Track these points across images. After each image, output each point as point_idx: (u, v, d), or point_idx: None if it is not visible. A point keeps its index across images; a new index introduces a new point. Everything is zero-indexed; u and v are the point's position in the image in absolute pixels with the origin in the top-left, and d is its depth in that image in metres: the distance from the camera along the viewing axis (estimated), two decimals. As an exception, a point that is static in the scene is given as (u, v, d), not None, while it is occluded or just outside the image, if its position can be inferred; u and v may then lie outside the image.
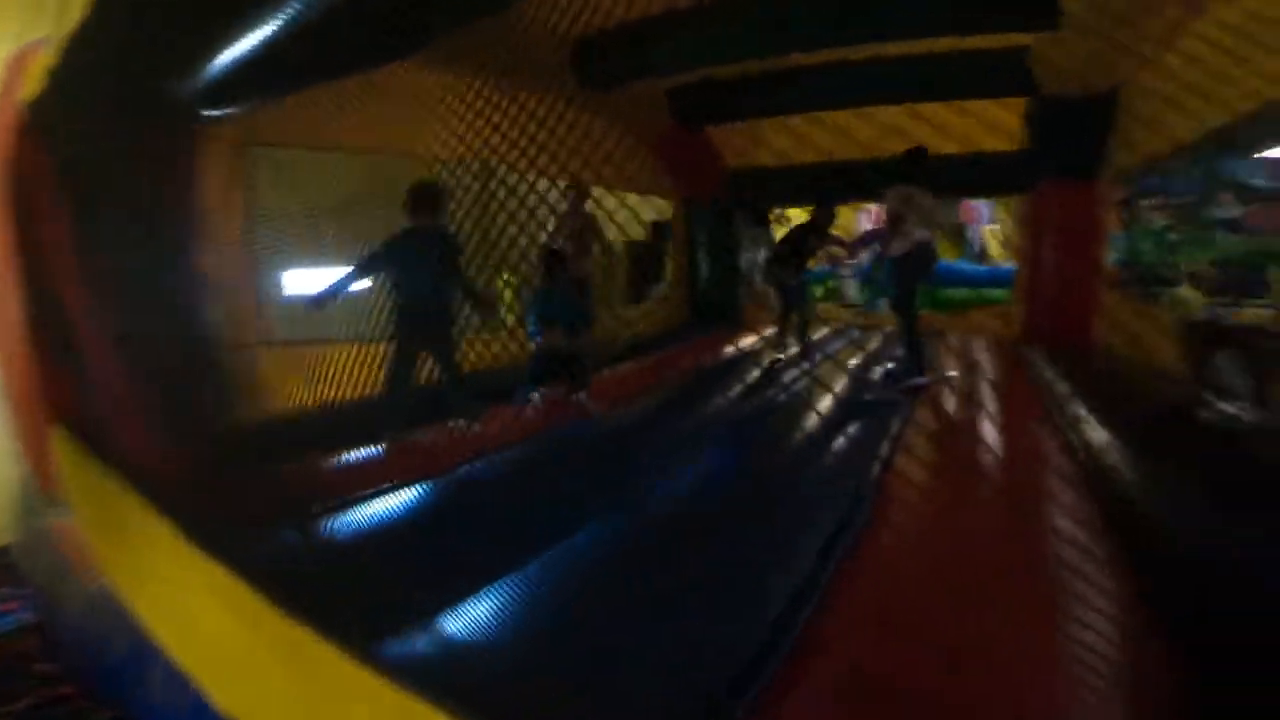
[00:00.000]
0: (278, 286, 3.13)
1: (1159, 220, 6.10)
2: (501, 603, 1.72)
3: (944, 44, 4.07)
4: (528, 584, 1.80)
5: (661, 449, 2.99)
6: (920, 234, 4.10)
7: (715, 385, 4.01)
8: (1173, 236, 6.22)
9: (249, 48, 2.23)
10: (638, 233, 6.47)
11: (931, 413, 3.46)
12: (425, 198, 3.02)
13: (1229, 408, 3.11)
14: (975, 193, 6.51)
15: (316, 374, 2.93)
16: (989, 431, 3.23)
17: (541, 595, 1.78)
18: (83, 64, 2.02)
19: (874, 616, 1.69)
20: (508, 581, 1.80)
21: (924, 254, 4.15)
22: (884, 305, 7.55)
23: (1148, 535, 2.16)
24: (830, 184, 5.18)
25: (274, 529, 2.20)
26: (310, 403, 2.89)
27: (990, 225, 8.13)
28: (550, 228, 4.29)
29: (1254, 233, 5.84)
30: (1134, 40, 3.56)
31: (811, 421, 3.28)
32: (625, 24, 3.76)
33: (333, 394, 2.89)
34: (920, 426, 3.21)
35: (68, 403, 2.38)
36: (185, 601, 1.86)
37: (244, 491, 2.41)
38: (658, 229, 6.55)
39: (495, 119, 4.07)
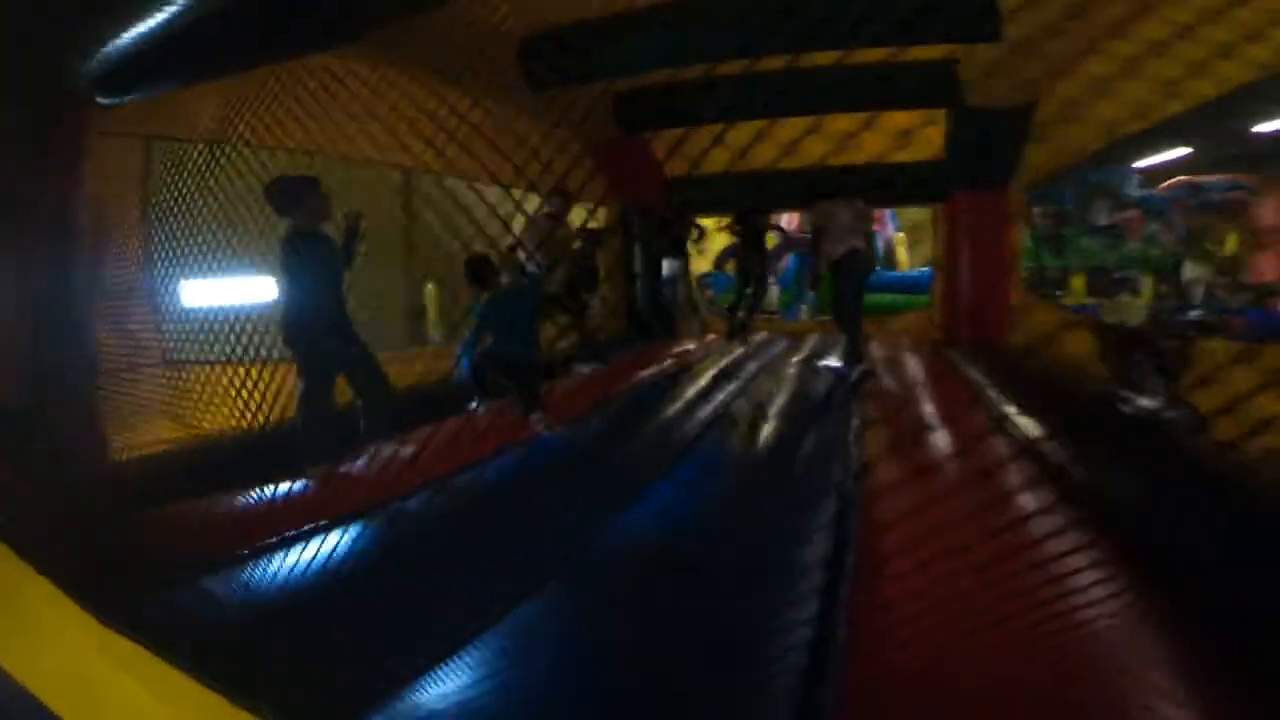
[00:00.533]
0: (176, 297, 2.76)
1: (1050, 227, 6.64)
2: (473, 663, 1.52)
3: (871, 55, 4.22)
4: (502, 633, 1.61)
5: (637, 462, 2.85)
6: (852, 241, 4.25)
7: (669, 394, 3.91)
8: (1057, 243, 6.79)
9: (155, 27, 1.94)
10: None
11: (882, 414, 3.52)
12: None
13: (1147, 402, 3.34)
14: (889, 202, 6.81)
15: (216, 398, 2.59)
16: (938, 426, 3.32)
17: (518, 644, 1.59)
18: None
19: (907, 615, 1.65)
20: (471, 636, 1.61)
21: (856, 259, 4.29)
22: (803, 312, 7.81)
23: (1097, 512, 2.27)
24: (758, 195, 5.26)
25: (176, 581, 1.89)
26: (209, 431, 2.55)
27: (896, 233, 8.57)
28: (514, 234, 4.07)
29: (1125, 238, 6.46)
30: (1055, 56, 3.80)
31: (780, 423, 3.25)
32: (573, 24, 3.65)
33: (234, 421, 2.56)
34: (876, 428, 3.24)
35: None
36: (82, 670, 1.55)
37: (138, 539, 2.07)
38: (591, 237, 6.42)
39: (429, 118, 3.84)
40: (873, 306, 7.00)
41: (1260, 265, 5.99)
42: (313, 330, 2.55)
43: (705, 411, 3.67)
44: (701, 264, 7.84)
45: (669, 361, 5.00)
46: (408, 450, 2.55)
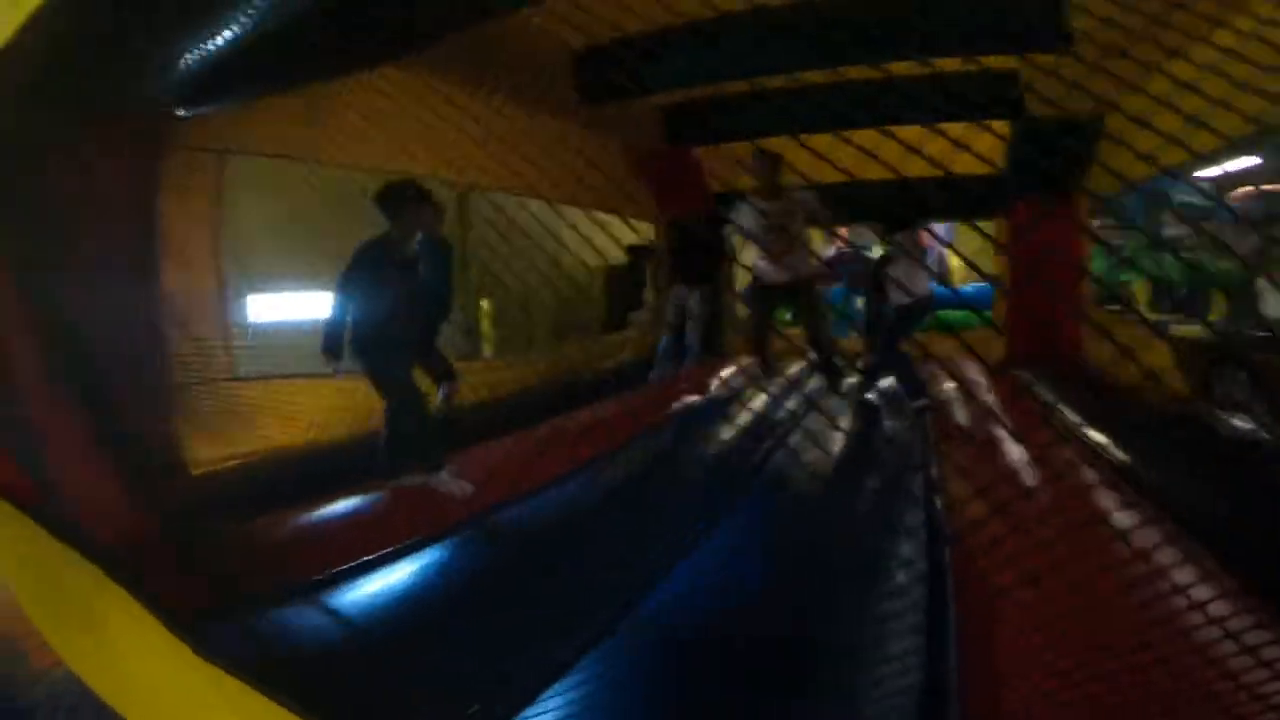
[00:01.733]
0: (252, 312, 2.75)
1: (1116, 240, 6.40)
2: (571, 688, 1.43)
3: (928, 66, 4.12)
4: (602, 661, 1.52)
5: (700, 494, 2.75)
6: (921, 287, 4.08)
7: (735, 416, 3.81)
8: (1124, 255, 6.54)
9: (232, 38, 1.93)
10: (616, 257, 6.30)
11: (957, 442, 3.37)
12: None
13: (1244, 423, 3.14)
14: (947, 215, 6.64)
15: (288, 412, 2.58)
16: (1018, 451, 3.15)
17: (619, 672, 1.50)
18: (40, 53, 1.68)
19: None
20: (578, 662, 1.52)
21: (924, 307, 4.13)
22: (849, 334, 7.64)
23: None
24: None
25: (256, 601, 1.83)
26: (290, 447, 2.52)
27: (949, 247, 8.34)
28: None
29: (1194, 251, 6.19)
30: (1125, 65, 3.66)
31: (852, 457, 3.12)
32: (628, 37, 3.62)
33: (315, 436, 2.54)
34: (954, 459, 3.10)
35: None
36: (167, 693, 1.49)
37: (218, 558, 2.03)
38: (636, 253, 6.38)
39: (483, 132, 3.84)
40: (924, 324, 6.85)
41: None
42: (385, 344, 2.49)
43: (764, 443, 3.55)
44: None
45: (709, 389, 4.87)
46: (487, 463, 2.49)
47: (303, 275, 3.02)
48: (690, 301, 5.13)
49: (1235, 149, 4.54)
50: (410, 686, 1.48)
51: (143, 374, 2.17)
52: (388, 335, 2.47)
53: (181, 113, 2.17)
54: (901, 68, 4.09)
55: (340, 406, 2.61)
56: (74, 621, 1.66)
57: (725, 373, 5.19)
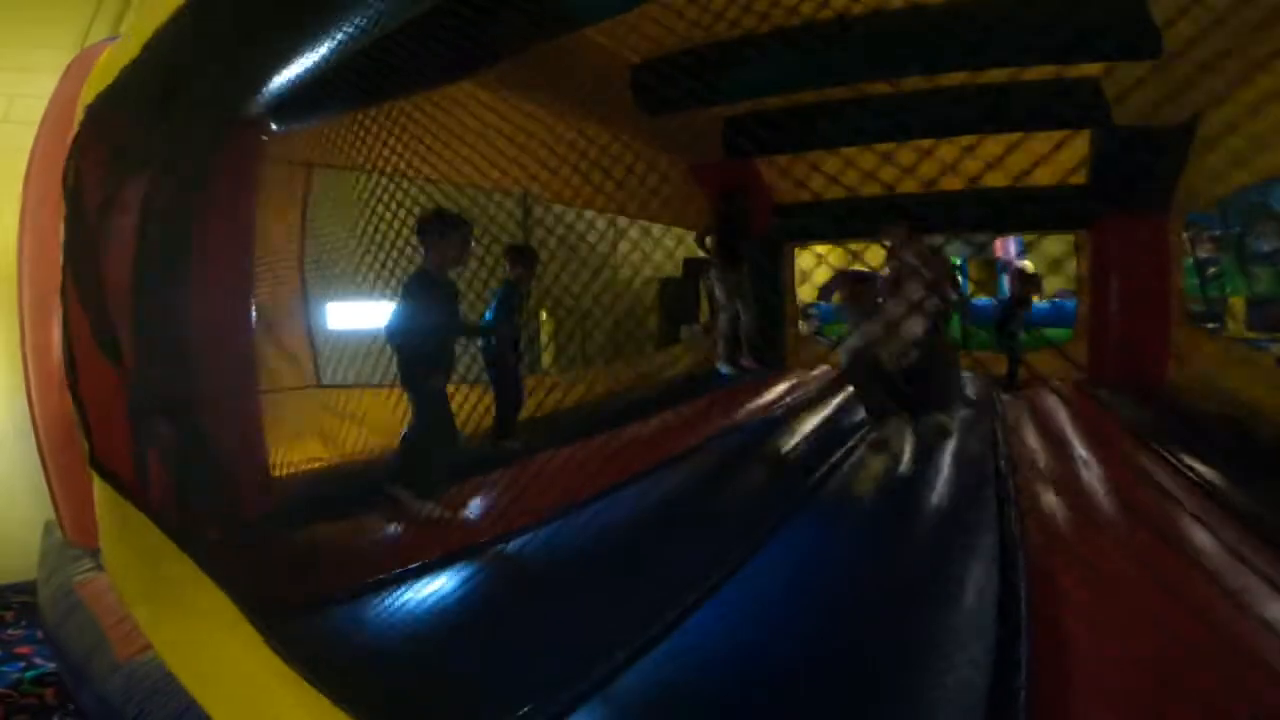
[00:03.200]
0: (333, 321, 2.88)
1: (1206, 253, 6.01)
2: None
3: (1005, 73, 3.98)
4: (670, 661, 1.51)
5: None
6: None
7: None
8: (1215, 270, 6.12)
9: (323, 56, 2.04)
10: (670, 270, 6.32)
11: (1033, 462, 3.22)
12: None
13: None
14: (1025, 228, 6.38)
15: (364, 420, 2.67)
16: (1099, 477, 2.99)
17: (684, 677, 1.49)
18: (148, 68, 1.81)
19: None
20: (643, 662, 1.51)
21: None
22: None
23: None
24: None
25: (327, 603, 1.89)
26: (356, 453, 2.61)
27: (1023, 261, 8.01)
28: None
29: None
30: (1216, 72, 3.45)
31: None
32: (688, 49, 3.64)
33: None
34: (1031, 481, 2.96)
35: (109, 446, 2.10)
36: (251, 690, 1.55)
37: (296, 559, 2.12)
38: (690, 266, 6.38)
39: (550, 143, 3.92)
40: (985, 341, 6.57)
41: None
42: (428, 370, 2.58)
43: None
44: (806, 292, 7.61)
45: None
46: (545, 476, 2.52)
47: (377, 286, 3.13)
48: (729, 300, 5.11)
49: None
50: (462, 689, 1.50)
51: (234, 381, 2.29)
52: (421, 361, 2.54)
53: (275, 127, 2.30)
54: (973, 75, 3.99)
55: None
56: (167, 610, 1.76)
57: (782, 386, 5.13)
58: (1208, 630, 1.62)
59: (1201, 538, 2.27)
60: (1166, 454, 3.24)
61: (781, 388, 5.08)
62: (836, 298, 7.44)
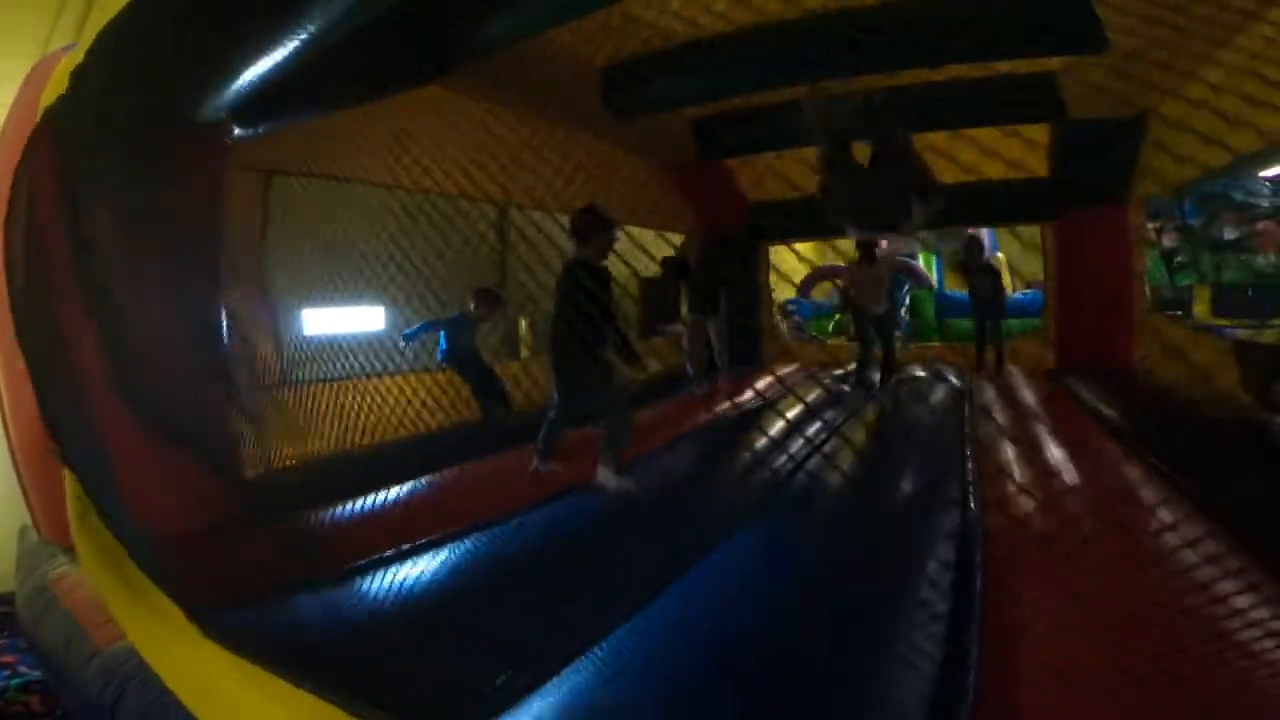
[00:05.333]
0: (299, 322, 2.92)
1: (1170, 243, 6.13)
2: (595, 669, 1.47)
3: (966, 71, 4.07)
4: (616, 651, 1.55)
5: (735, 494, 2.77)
6: None
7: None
8: (1180, 259, 6.25)
9: (284, 61, 2.08)
10: (650, 269, 6.37)
11: (999, 445, 3.29)
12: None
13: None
14: (992, 221, 6.49)
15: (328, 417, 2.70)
16: (1062, 457, 3.06)
17: (637, 662, 1.53)
18: (106, 72, 1.85)
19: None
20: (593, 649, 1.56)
21: None
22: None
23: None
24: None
25: (290, 595, 1.93)
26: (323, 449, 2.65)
27: (996, 254, 8.13)
28: None
29: (1258, 252, 5.86)
30: (1166, 65, 3.54)
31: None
32: (655, 52, 3.71)
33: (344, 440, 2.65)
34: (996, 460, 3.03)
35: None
36: (203, 668, 1.59)
37: (259, 551, 2.15)
38: (670, 265, 6.44)
39: (519, 148, 3.97)
40: (961, 332, 6.66)
41: None
42: (586, 351, 2.64)
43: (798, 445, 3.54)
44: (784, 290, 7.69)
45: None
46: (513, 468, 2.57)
47: (349, 291, 3.18)
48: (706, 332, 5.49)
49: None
50: (431, 665, 1.54)
51: (203, 381, 2.32)
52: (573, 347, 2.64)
53: (236, 132, 2.34)
54: (930, 74, 4.08)
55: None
56: (137, 604, 1.79)
57: (762, 383, 5.19)
58: (1161, 611, 1.66)
59: (1163, 522, 2.30)
60: (1131, 439, 3.31)
61: (759, 385, 5.14)
62: (816, 292, 7.49)
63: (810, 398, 4.51)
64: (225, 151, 2.36)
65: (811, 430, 3.71)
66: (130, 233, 2.06)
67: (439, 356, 4.27)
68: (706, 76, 3.85)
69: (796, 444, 3.49)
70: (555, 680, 1.56)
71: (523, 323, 5.38)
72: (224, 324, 2.45)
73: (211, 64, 2.00)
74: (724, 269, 5.83)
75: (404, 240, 3.91)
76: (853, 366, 5.22)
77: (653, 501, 2.81)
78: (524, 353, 4.70)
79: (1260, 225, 5.65)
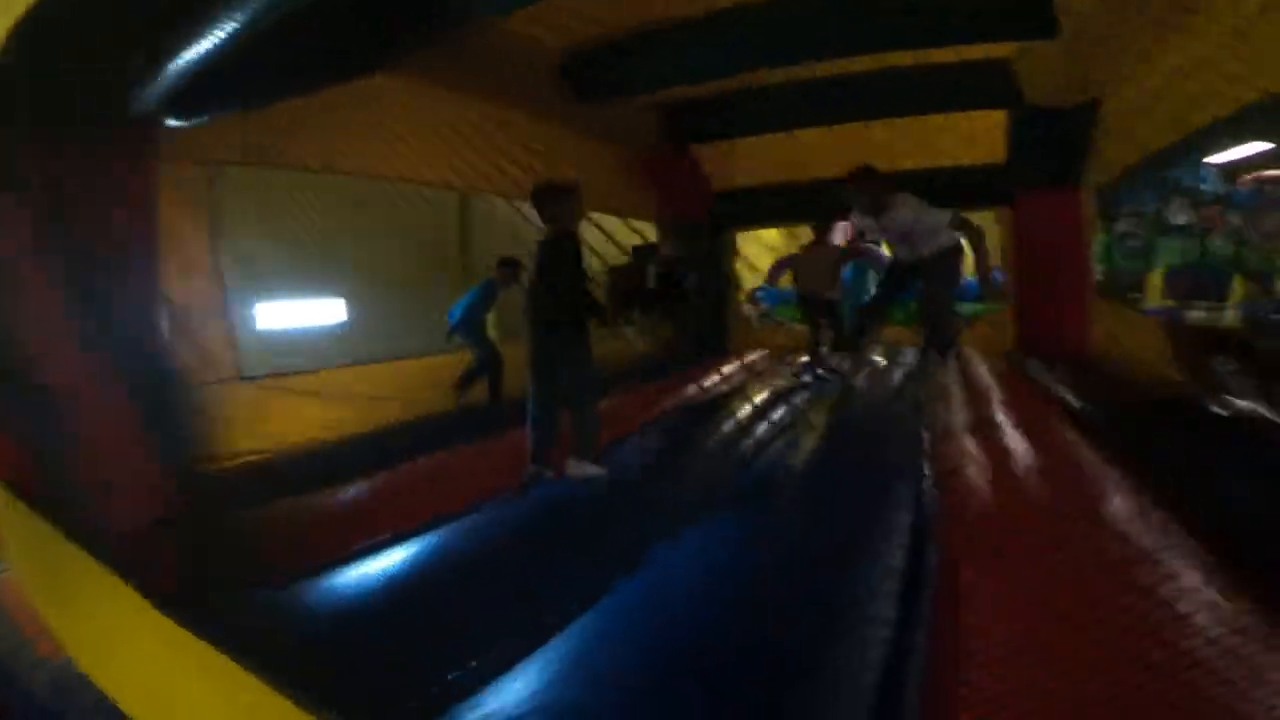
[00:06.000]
0: (252, 316, 2.86)
1: (1124, 228, 6.30)
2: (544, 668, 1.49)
3: (924, 57, 4.11)
4: (575, 643, 1.57)
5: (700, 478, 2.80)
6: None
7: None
8: (1133, 244, 6.43)
9: (220, 48, 2.02)
10: (616, 257, 6.37)
11: (955, 423, 3.36)
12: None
13: (1239, 406, 3.09)
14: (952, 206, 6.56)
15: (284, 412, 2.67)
16: (1014, 434, 3.14)
17: (595, 656, 1.55)
18: (28, 61, 1.78)
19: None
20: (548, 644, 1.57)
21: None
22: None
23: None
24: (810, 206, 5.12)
25: (253, 589, 1.92)
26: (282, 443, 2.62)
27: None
28: None
29: (1206, 237, 6.06)
30: (1116, 52, 3.61)
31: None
32: (619, 36, 3.67)
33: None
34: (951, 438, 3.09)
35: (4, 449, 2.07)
36: (159, 675, 1.57)
37: (216, 548, 2.13)
38: (639, 253, 6.43)
39: (477, 135, 3.92)
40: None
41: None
42: (573, 318, 2.67)
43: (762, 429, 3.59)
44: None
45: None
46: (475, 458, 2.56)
47: (308, 283, 3.13)
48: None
49: (1242, 133, 4.44)
50: (388, 660, 1.55)
51: (153, 377, 2.28)
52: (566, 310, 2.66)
53: (172, 124, 2.27)
54: (896, 60, 4.11)
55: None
56: (72, 608, 1.76)
57: (728, 369, 5.23)
58: (1113, 594, 1.70)
59: (1119, 507, 2.35)
60: (1086, 419, 3.39)
61: (726, 370, 5.18)
62: (784, 281, 7.54)
63: (773, 385, 4.55)
64: (160, 143, 2.28)
65: (772, 418, 3.76)
66: (67, 233, 2.00)
67: (450, 325, 4.35)
68: (666, 62, 3.83)
69: (755, 433, 3.54)
70: (512, 673, 1.58)
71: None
72: (167, 319, 2.39)
73: (140, 53, 1.93)
74: (692, 257, 5.86)
75: (363, 229, 3.87)
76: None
77: (612, 493, 2.82)
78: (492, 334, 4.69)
79: (1205, 210, 5.83)
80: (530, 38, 3.60)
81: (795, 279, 4.90)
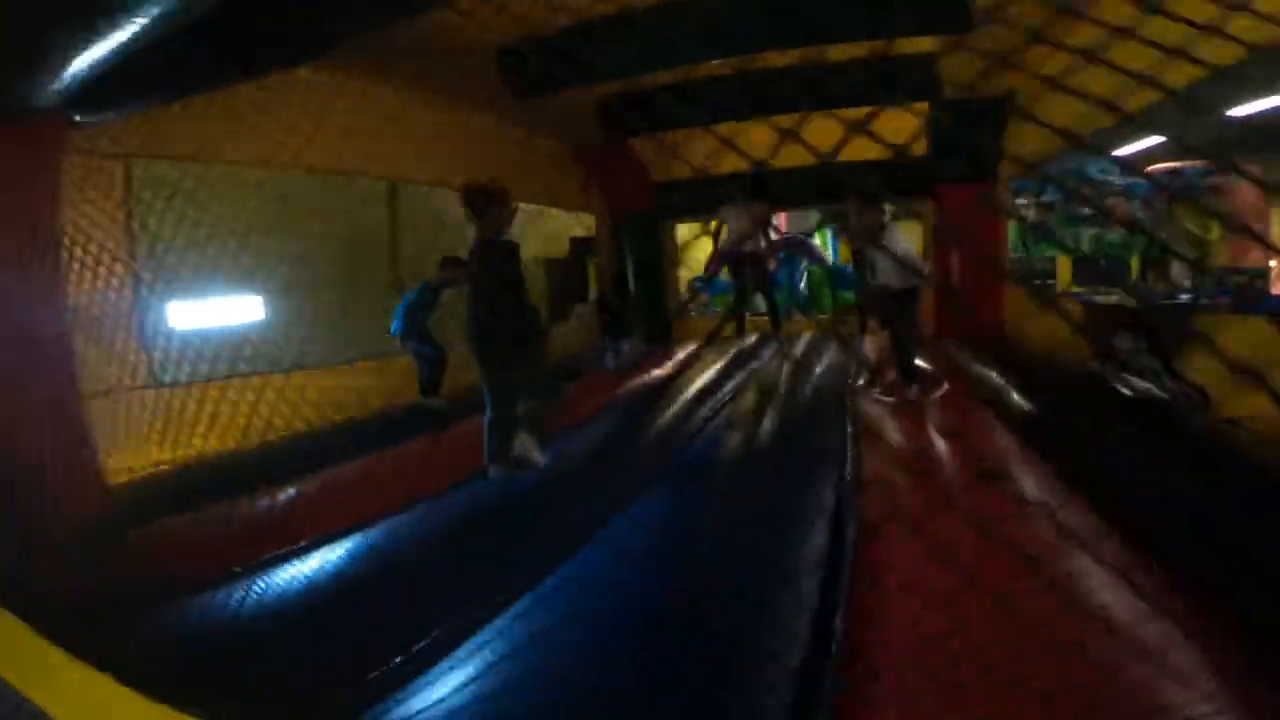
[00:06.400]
0: (164, 320, 2.71)
1: (1035, 218, 6.69)
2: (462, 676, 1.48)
3: (847, 51, 4.23)
4: (487, 651, 1.56)
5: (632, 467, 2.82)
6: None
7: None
8: (1044, 233, 6.84)
9: (127, 43, 1.90)
10: (558, 250, 6.32)
11: (875, 407, 3.50)
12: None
13: (1140, 382, 3.35)
14: (875, 199, 6.79)
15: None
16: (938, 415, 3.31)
17: (510, 662, 1.54)
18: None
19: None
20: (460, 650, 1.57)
21: None
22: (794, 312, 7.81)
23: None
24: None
25: (144, 606, 1.82)
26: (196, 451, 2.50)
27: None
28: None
29: (1109, 226, 6.51)
30: (1026, 45, 3.80)
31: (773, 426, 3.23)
32: (556, 30, 3.63)
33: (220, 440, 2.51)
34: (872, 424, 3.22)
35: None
36: (94, 693, 1.49)
37: (120, 563, 2.02)
38: (577, 245, 6.41)
39: (409, 127, 3.81)
40: (851, 304, 7.03)
41: (1241, 249, 6.04)
42: (498, 331, 2.55)
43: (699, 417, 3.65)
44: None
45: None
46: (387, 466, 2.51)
47: (225, 281, 2.99)
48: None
49: (1144, 126, 4.76)
50: (307, 663, 1.51)
51: (47, 384, 2.13)
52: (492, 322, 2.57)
53: (77, 119, 2.12)
54: (835, 53, 4.22)
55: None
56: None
57: (673, 360, 5.28)
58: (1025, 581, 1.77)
59: (1033, 488, 2.46)
60: (997, 402, 3.58)
61: (672, 360, 5.22)
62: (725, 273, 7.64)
63: (710, 372, 4.62)
64: (67, 139, 2.13)
65: (706, 405, 3.84)
66: None
67: (394, 332, 4.22)
68: (602, 56, 3.81)
69: (691, 418, 3.60)
70: (451, 659, 1.57)
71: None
72: (72, 323, 2.24)
73: (46, 46, 1.80)
74: (630, 248, 5.88)
75: (285, 223, 3.71)
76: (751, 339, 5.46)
77: (552, 480, 2.82)
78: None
79: (1110, 201, 6.26)
80: (465, 31, 3.52)
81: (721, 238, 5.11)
